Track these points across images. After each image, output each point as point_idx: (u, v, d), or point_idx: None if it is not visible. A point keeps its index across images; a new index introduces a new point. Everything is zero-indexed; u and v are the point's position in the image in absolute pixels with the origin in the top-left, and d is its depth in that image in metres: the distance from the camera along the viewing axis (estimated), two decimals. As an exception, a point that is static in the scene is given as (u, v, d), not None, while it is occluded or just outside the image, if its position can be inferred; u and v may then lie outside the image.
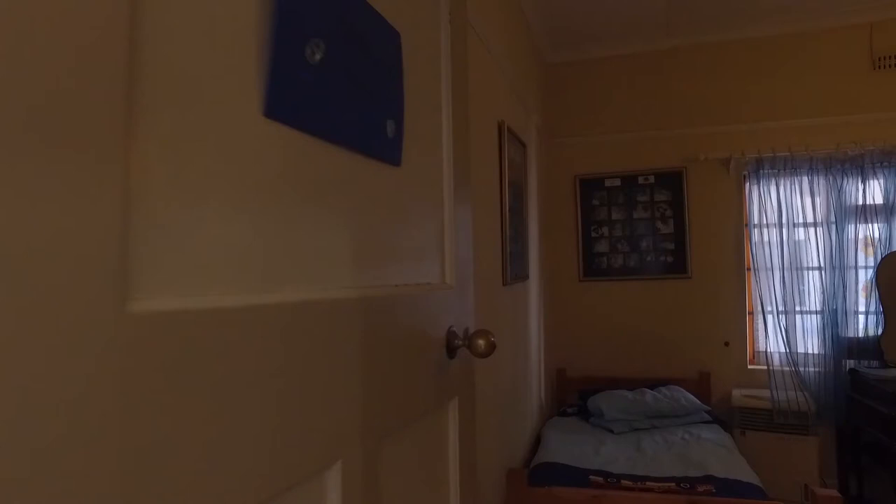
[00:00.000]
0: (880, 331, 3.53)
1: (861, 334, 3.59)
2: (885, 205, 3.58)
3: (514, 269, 2.74)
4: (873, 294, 3.58)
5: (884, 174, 3.58)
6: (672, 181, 3.98)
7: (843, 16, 3.75)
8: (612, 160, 4.12)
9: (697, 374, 3.85)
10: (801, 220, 3.72)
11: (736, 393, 3.69)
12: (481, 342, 0.98)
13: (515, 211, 2.86)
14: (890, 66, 3.70)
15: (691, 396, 3.53)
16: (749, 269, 3.86)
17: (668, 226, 3.99)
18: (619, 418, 3.38)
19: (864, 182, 3.60)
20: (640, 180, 4.05)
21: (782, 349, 3.66)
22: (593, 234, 4.13)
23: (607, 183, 4.11)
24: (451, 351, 1.02)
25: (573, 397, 4.00)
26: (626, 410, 3.41)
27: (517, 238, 2.88)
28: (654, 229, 4.02)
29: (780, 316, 3.66)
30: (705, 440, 3.10)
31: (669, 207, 3.99)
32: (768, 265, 3.70)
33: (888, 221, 3.57)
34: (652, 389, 3.63)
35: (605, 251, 4.11)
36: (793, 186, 3.72)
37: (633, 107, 4.10)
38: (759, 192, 3.75)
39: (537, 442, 3.32)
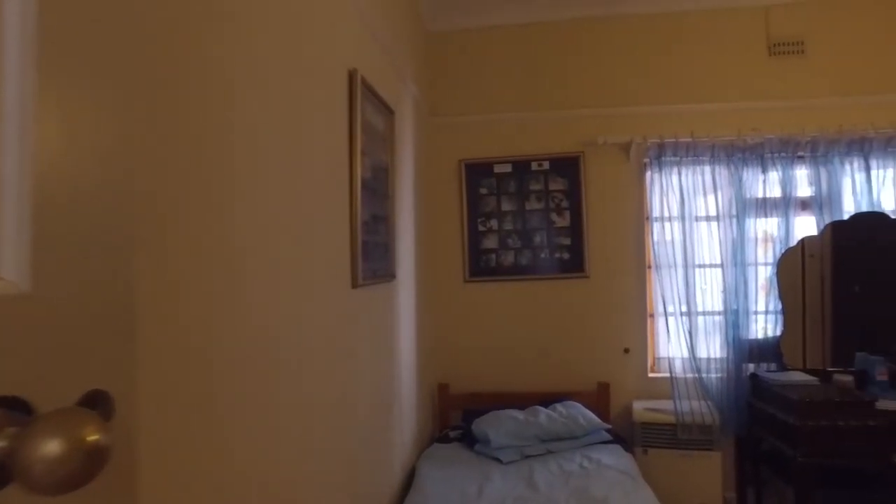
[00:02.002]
0: (779, 332, 3.29)
1: (761, 336, 3.33)
2: (783, 198, 3.35)
3: (372, 267, 2.10)
4: (772, 293, 3.33)
5: (781, 165, 3.35)
6: (568, 168, 3.53)
7: (739, -3, 3.50)
8: (503, 143, 3.61)
9: (596, 386, 3.42)
10: (703, 214, 3.42)
11: (637, 406, 3.31)
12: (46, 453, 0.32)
13: (376, 192, 2.22)
14: (785, 52, 3.49)
15: (590, 414, 3.09)
16: (650, 267, 3.49)
17: (564, 218, 3.54)
18: (508, 445, 2.85)
19: (764, 173, 3.35)
20: (534, 166, 3.57)
21: (685, 354, 3.32)
22: (481, 228, 3.59)
23: (497, 169, 3.59)
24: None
25: (458, 416, 3.44)
26: (516, 435, 2.89)
27: (378, 228, 2.25)
28: (548, 222, 3.55)
29: (683, 318, 3.32)
30: (606, 467, 2.64)
31: (565, 198, 3.54)
32: (670, 262, 3.35)
33: (786, 216, 3.34)
34: (546, 407, 3.15)
35: (493, 247, 3.59)
36: (695, 177, 3.41)
37: (527, 84, 3.62)
38: (661, 182, 3.40)
39: (412, 477, 2.71)
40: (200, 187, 1.04)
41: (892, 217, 3.26)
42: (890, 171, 3.36)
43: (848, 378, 3.01)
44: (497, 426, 2.92)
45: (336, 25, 1.86)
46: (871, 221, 3.25)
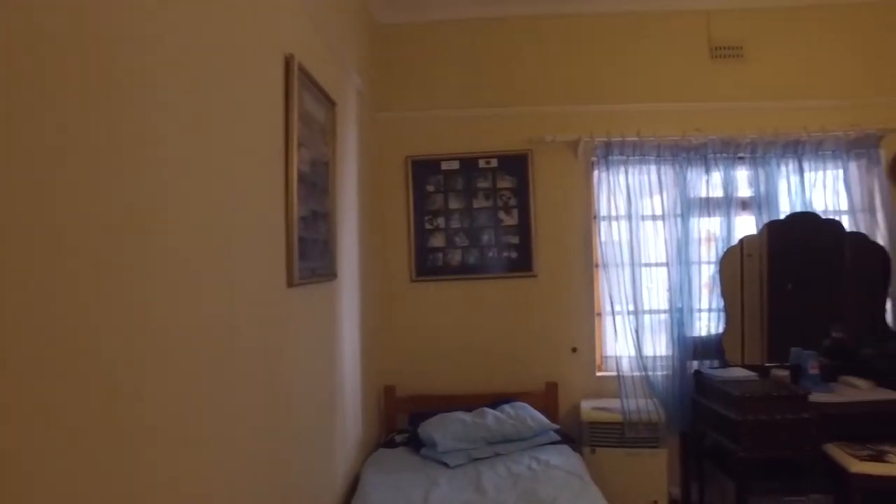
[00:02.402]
0: (721, 329, 3.35)
1: (704, 333, 3.38)
2: (724, 198, 3.42)
3: (310, 265, 1.99)
4: (715, 291, 3.39)
5: (723, 166, 3.41)
6: (516, 165, 3.50)
7: (679, 1, 3.54)
8: (451, 140, 3.54)
9: (544, 386, 3.39)
10: (648, 213, 3.45)
11: (585, 406, 3.30)
12: None
13: (316, 187, 2.11)
14: (725, 56, 3.57)
15: (538, 415, 3.05)
16: (597, 265, 3.49)
17: (512, 217, 3.50)
18: (455, 448, 2.77)
19: (707, 173, 3.41)
20: (482, 164, 3.51)
21: (631, 353, 3.34)
22: (428, 226, 3.51)
23: (444, 166, 3.52)
24: None
25: (405, 419, 3.34)
26: (463, 438, 2.82)
27: (318, 224, 2.13)
28: (496, 220, 3.51)
29: (630, 316, 3.34)
30: (554, 468, 2.61)
31: (513, 196, 3.50)
32: (617, 261, 3.36)
33: (728, 215, 3.41)
34: (494, 408, 3.09)
35: (441, 246, 3.51)
36: (641, 176, 3.43)
37: (476, 80, 3.56)
38: (608, 180, 3.41)
39: (355, 485, 2.59)
40: (101, 173, 0.92)
41: (823, 218, 3.38)
42: (821, 174, 3.47)
43: (784, 373, 3.09)
44: (444, 429, 2.84)
45: (272, 6, 1.74)
46: (803, 221, 3.35)
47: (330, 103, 2.31)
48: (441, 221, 3.51)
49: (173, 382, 1.13)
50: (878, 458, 2.70)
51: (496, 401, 3.22)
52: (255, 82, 1.60)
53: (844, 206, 3.45)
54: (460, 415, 2.99)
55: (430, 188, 3.52)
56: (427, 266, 3.50)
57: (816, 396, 2.87)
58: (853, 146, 3.43)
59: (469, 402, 3.21)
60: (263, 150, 1.65)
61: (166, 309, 1.12)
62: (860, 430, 2.88)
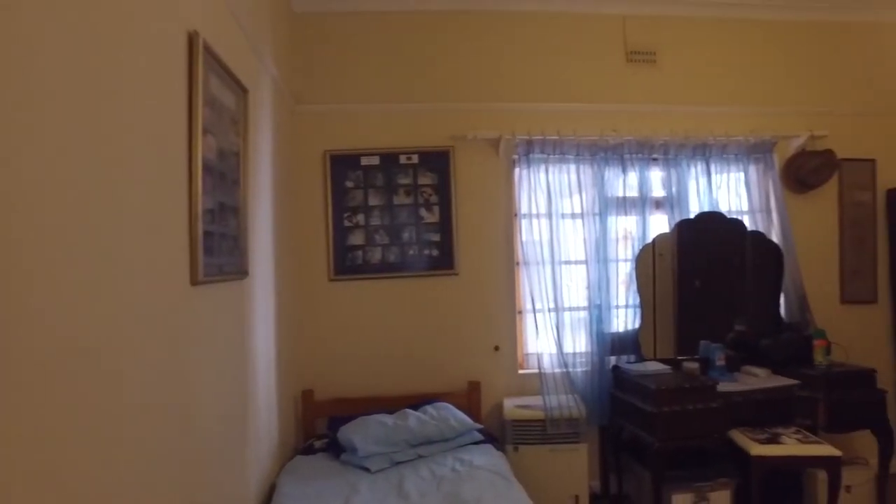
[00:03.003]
0: (638, 325, 3.46)
1: (622, 329, 3.48)
2: (640, 198, 3.53)
3: (217, 262, 1.83)
4: (631, 288, 3.49)
5: (639, 166, 3.53)
6: (438, 162, 3.45)
7: (599, 4, 3.63)
8: (371, 135, 3.44)
9: (467, 385, 3.36)
10: (568, 211, 3.50)
11: (508, 404, 3.30)
12: None
13: (225, 178, 1.95)
14: (639, 60, 3.70)
15: (461, 414, 3.01)
16: (518, 263, 3.50)
17: (434, 214, 3.45)
18: (376, 452, 2.68)
19: (624, 173, 3.51)
20: (402, 160, 3.43)
21: (552, 350, 3.37)
22: (347, 223, 3.39)
23: (364, 161, 3.41)
24: None
25: (324, 424, 3.21)
26: (385, 441, 2.73)
27: (227, 218, 1.97)
28: (417, 218, 3.44)
29: (550, 314, 3.37)
30: (478, 468, 2.57)
31: (435, 193, 3.45)
32: (538, 259, 3.39)
33: (643, 214, 3.52)
34: (416, 410, 3.02)
35: (360, 244, 3.40)
36: (561, 175, 3.48)
37: (397, 74, 3.48)
38: (530, 178, 3.42)
39: (271, 495, 2.44)
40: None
41: (727, 217, 3.57)
42: (725, 176, 3.67)
43: (694, 365, 3.23)
44: (364, 433, 2.74)
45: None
46: (710, 221, 3.52)
47: (241, 90, 2.15)
48: (361, 218, 3.40)
49: (43, 389, 0.98)
50: (774, 440, 2.89)
51: (418, 402, 3.15)
52: (153, 60, 1.44)
53: (745, 206, 3.67)
54: (381, 417, 2.89)
55: (350, 184, 3.40)
56: (346, 264, 3.38)
57: (723, 386, 3.02)
58: (752, 151, 3.65)
59: (391, 405, 3.13)
60: (162, 135, 1.48)
61: (50, 315, 0.96)
62: (759, 416, 3.06)
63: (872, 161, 3.91)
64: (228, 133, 2.01)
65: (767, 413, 3.07)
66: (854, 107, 3.88)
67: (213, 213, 1.80)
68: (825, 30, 3.89)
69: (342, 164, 3.39)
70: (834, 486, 2.88)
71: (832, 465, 2.86)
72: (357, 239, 3.39)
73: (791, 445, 2.85)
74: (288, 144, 3.20)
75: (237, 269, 2.09)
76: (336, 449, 2.82)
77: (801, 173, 3.74)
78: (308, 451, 2.92)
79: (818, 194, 3.82)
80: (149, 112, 1.41)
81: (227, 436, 2.00)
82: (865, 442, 3.37)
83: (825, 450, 2.84)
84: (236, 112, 2.10)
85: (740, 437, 2.95)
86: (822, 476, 3.00)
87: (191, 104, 1.64)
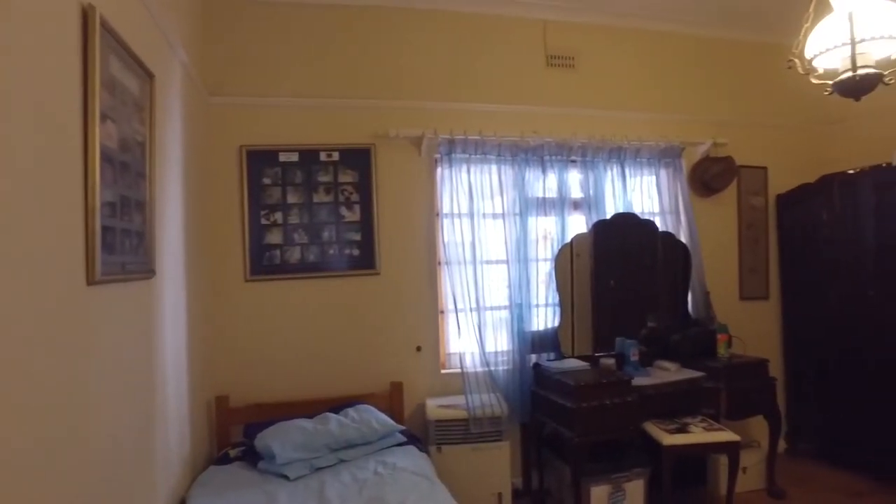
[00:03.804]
0: (557, 323, 3.54)
1: (542, 327, 3.54)
2: (559, 199, 3.61)
3: (119, 260, 1.69)
4: (551, 287, 3.57)
5: (558, 168, 3.61)
6: (359, 160, 3.37)
7: (520, 7, 3.70)
8: (290, 131, 3.32)
9: (389, 386, 3.31)
10: (489, 211, 3.52)
11: (430, 404, 3.28)
12: None
13: (128, 169, 1.80)
14: (559, 65, 3.79)
15: (383, 416, 2.96)
16: (440, 263, 3.49)
17: (354, 212, 3.37)
18: (296, 459, 2.57)
19: (543, 174, 3.58)
20: (323, 157, 3.34)
21: (475, 349, 3.38)
22: (264, 221, 3.25)
23: (283, 158, 3.29)
24: None
25: (240, 431, 3.05)
26: (305, 447, 2.63)
27: (131, 213, 1.82)
28: (338, 216, 3.35)
29: (472, 313, 3.38)
30: (401, 471, 2.52)
31: (356, 191, 3.37)
32: (460, 259, 3.39)
33: (562, 215, 3.61)
34: (338, 413, 2.94)
35: (278, 242, 3.27)
36: (482, 175, 3.50)
37: (318, 69, 3.37)
38: (452, 178, 3.42)
39: (180, 512, 2.29)
40: None
41: (641, 218, 3.73)
42: (639, 179, 3.84)
43: (611, 361, 3.34)
44: (283, 439, 2.62)
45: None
46: (624, 222, 3.66)
47: (147, 75, 2.00)
48: (279, 216, 3.27)
49: None
50: (683, 429, 3.05)
51: (340, 405, 3.07)
52: (40, 36, 1.30)
53: (657, 208, 3.85)
54: (301, 422, 2.79)
55: (267, 181, 3.26)
56: (263, 264, 3.24)
57: (637, 380, 3.14)
58: (663, 155, 3.83)
59: (311, 409, 3.03)
60: (51, 120, 1.34)
61: None
62: (670, 407, 3.22)
63: (765, 168, 4.24)
64: (132, 121, 1.86)
65: (677, 404, 3.24)
66: (750, 118, 4.19)
67: (114, 206, 1.65)
68: (729, 46, 4.17)
69: (259, 160, 3.25)
70: (733, 469, 3.08)
71: (732, 450, 3.05)
72: (275, 238, 3.26)
73: (698, 434, 3.02)
74: (201, 137, 3.03)
75: (143, 267, 1.93)
76: (253, 457, 2.68)
77: (706, 178, 3.98)
78: (223, 460, 2.76)
79: (720, 198, 4.09)
80: (35, 93, 1.26)
81: (132, 450, 1.84)
82: (758, 426, 3.64)
83: (727, 436, 3.03)
84: (141, 98, 1.95)
85: (653, 429, 3.08)
86: (723, 460, 3.20)
87: (86, 86, 1.49)
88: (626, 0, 3.73)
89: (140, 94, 1.94)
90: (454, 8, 3.59)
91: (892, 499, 3.35)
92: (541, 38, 3.77)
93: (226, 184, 3.22)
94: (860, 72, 1.95)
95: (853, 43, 1.93)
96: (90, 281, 1.48)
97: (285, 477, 2.50)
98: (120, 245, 1.70)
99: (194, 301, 2.75)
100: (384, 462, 2.63)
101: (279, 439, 2.62)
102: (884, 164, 3.62)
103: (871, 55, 1.96)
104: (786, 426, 4.04)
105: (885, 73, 1.97)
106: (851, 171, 3.75)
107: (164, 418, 2.22)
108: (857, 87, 1.98)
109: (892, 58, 1.99)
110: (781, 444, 3.72)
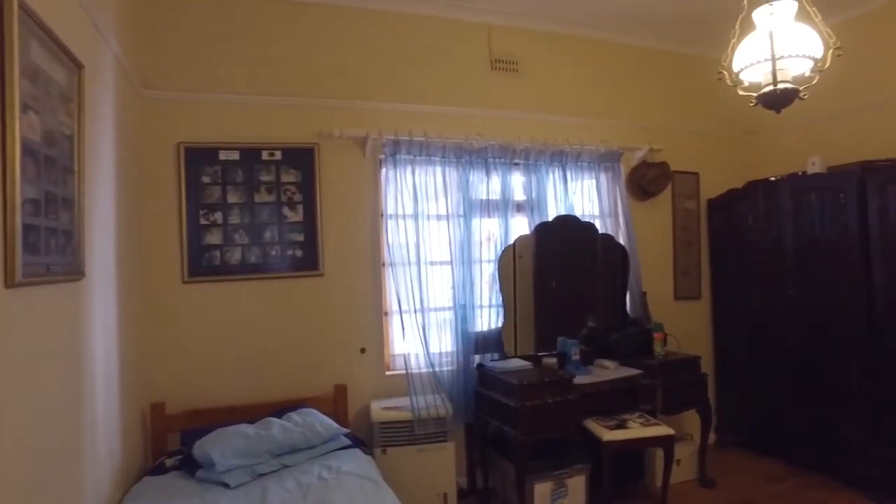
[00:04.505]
0: (500, 323, 3.58)
1: (486, 328, 3.58)
2: (502, 201, 3.67)
3: (43, 261, 1.60)
4: (494, 288, 3.61)
5: (502, 170, 3.67)
6: (302, 159, 3.32)
7: (466, 11, 3.73)
8: (230, 128, 3.22)
9: (333, 389, 3.26)
10: (434, 213, 3.54)
11: (375, 406, 3.25)
12: None
13: (54, 164, 1.71)
14: (503, 69, 3.86)
15: (328, 420, 2.91)
16: (385, 264, 3.48)
17: (297, 213, 3.31)
18: (237, 466, 2.50)
19: (487, 176, 3.62)
20: (265, 156, 3.26)
21: (419, 350, 3.38)
22: (203, 221, 3.15)
23: (223, 156, 3.19)
24: None
25: (177, 439, 2.93)
26: (246, 453, 2.55)
27: (57, 211, 1.73)
28: (280, 216, 3.28)
29: (417, 314, 3.38)
30: (346, 474, 2.49)
31: (299, 191, 3.31)
32: (404, 260, 3.38)
33: (505, 217, 3.66)
34: (280, 417, 2.87)
35: (218, 243, 3.17)
36: (427, 177, 3.51)
37: (260, 65, 3.29)
38: (396, 179, 3.41)
39: (111, 526, 2.18)
40: None
41: (581, 220, 3.83)
42: (580, 182, 3.94)
43: (553, 360, 3.42)
44: (223, 446, 2.54)
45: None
46: (565, 224, 3.75)
47: (75, 65, 1.90)
48: (219, 216, 3.17)
49: None
50: (622, 425, 3.16)
51: (282, 409, 3.00)
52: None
53: (597, 210, 3.97)
54: (242, 428, 2.71)
55: (207, 179, 3.16)
56: (202, 265, 3.13)
57: (579, 379, 3.23)
58: (602, 160, 3.96)
59: (252, 414, 2.95)
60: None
61: None
62: (609, 404, 3.32)
63: (697, 174, 4.44)
64: (58, 113, 1.76)
65: (616, 401, 3.34)
66: (684, 125, 4.38)
67: (37, 203, 1.56)
68: (665, 57, 4.36)
69: (198, 158, 3.14)
70: (669, 461, 3.21)
71: (667, 443, 3.18)
72: (214, 238, 3.16)
73: (635, 429, 3.13)
74: (136, 133, 2.90)
75: (71, 268, 1.84)
76: (191, 466, 2.58)
77: (643, 182, 4.13)
78: (158, 470, 2.64)
79: (656, 202, 4.26)
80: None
81: (56, 464, 1.74)
82: (691, 420, 3.81)
83: (662, 430, 3.16)
84: (68, 90, 1.85)
85: (593, 426, 3.17)
86: (659, 453, 3.33)
87: (3, 73, 1.40)
88: (569, 8, 3.83)
89: (67, 85, 1.85)
90: (401, 9, 3.59)
91: (802, 480, 3.61)
92: (486, 42, 3.82)
93: (162, 182, 3.09)
94: (780, 86, 2.09)
95: (773, 59, 2.07)
96: (9, 283, 1.39)
97: (226, 485, 2.42)
98: (45, 245, 1.61)
99: (127, 304, 2.63)
100: (329, 466, 2.59)
101: (219, 446, 2.54)
102: (800, 173, 3.87)
103: (789, 71, 2.11)
104: (715, 419, 4.24)
105: (801, 88, 2.12)
106: (773, 178, 3.99)
107: (93, 428, 2.12)
108: (777, 100, 2.12)
109: (807, 75, 2.14)
110: (712, 437, 3.90)
